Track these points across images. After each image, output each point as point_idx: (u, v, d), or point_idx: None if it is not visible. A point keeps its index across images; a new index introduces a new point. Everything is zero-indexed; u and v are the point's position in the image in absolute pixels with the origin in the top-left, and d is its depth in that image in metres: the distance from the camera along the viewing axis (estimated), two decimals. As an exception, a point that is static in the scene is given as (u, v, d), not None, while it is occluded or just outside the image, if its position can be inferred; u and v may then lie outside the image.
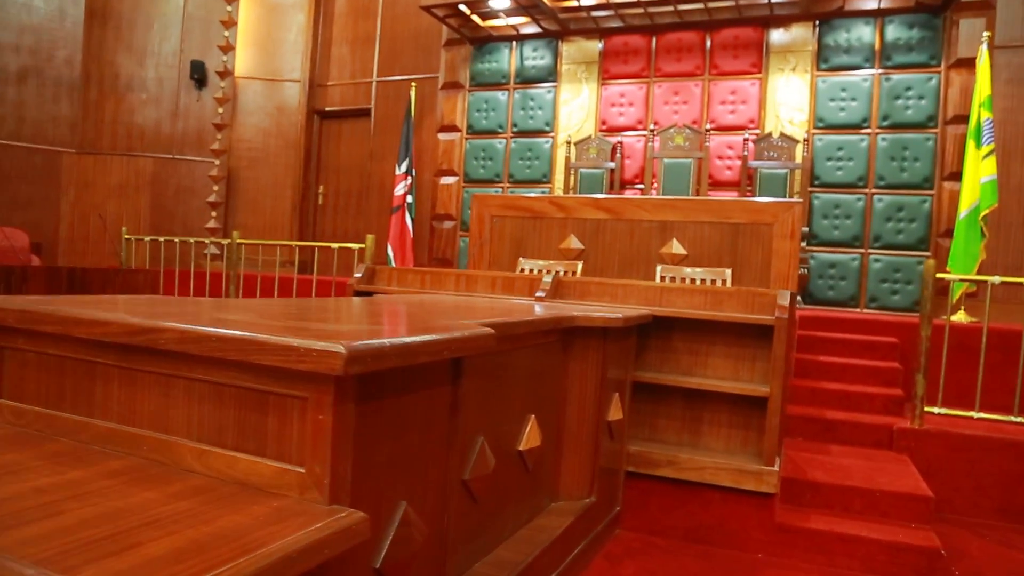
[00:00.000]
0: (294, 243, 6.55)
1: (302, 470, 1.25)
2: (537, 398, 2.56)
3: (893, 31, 6.26)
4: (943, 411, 4.13)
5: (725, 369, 3.39)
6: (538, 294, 3.60)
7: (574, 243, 5.17)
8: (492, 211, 5.45)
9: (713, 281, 4.41)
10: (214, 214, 8.91)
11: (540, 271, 4.85)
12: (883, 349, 4.83)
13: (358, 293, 4.17)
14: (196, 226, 8.86)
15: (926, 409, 4.03)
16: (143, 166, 8.91)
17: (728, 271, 4.44)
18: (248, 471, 1.29)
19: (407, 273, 4.23)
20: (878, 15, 6.31)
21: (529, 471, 2.52)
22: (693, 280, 4.43)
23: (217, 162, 8.86)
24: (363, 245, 5.71)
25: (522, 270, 4.92)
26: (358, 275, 4.24)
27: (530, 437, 2.46)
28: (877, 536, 3.06)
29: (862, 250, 6.22)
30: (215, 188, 8.88)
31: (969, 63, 5.92)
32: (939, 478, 3.84)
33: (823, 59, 6.49)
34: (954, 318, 4.96)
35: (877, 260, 6.15)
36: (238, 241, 6.48)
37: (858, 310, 6.16)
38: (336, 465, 1.23)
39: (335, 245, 5.95)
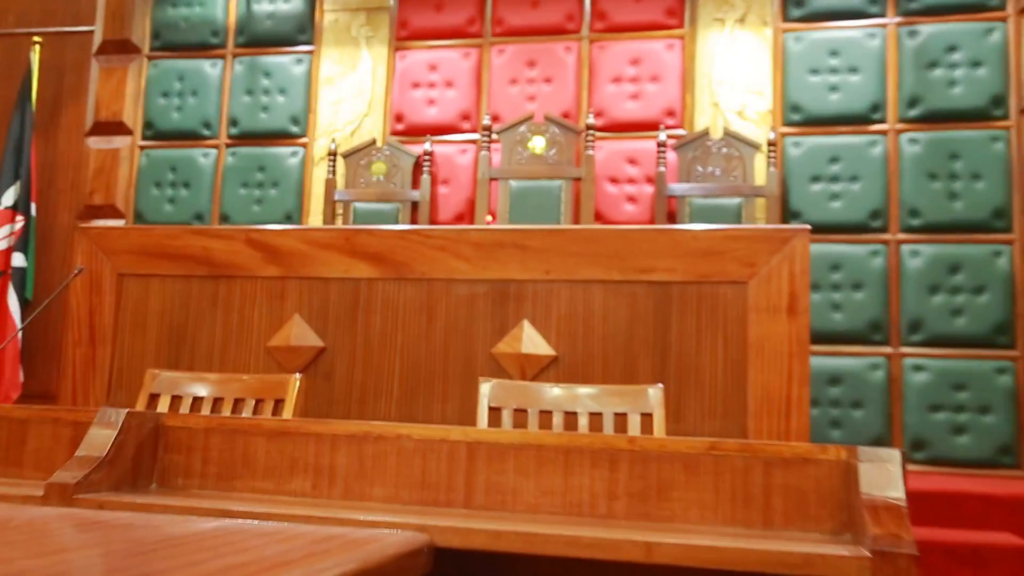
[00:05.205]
0: None
1: None
2: None
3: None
4: None
5: None
6: (57, 479, 1.51)
7: (301, 334, 3.33)
8: (119, 262, 3.61)
9: (622, 417, 2.66)
10: None
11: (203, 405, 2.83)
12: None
13: None
14: None
15: None
16: None
17: (654, 392, 2.74)
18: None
19: None
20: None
21: None
22: (573, 415, 2.65)
23: None
24: None
25: (154, 398, 2.89)
26: None
27: None
28: None
29: (888, 349, 4.93)
30: None
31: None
32: None
33: (795, 1, 5.38)
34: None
35: (919, 368, 4.84)
36: None
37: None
38: None
39: None
